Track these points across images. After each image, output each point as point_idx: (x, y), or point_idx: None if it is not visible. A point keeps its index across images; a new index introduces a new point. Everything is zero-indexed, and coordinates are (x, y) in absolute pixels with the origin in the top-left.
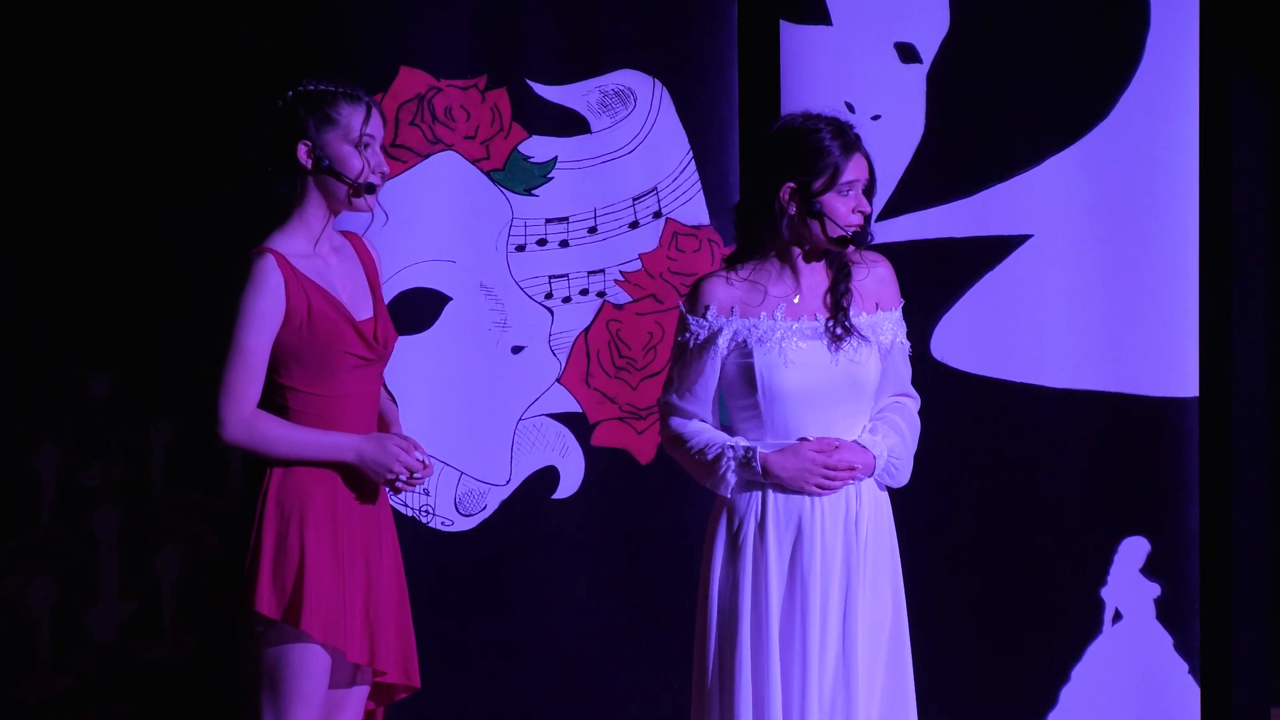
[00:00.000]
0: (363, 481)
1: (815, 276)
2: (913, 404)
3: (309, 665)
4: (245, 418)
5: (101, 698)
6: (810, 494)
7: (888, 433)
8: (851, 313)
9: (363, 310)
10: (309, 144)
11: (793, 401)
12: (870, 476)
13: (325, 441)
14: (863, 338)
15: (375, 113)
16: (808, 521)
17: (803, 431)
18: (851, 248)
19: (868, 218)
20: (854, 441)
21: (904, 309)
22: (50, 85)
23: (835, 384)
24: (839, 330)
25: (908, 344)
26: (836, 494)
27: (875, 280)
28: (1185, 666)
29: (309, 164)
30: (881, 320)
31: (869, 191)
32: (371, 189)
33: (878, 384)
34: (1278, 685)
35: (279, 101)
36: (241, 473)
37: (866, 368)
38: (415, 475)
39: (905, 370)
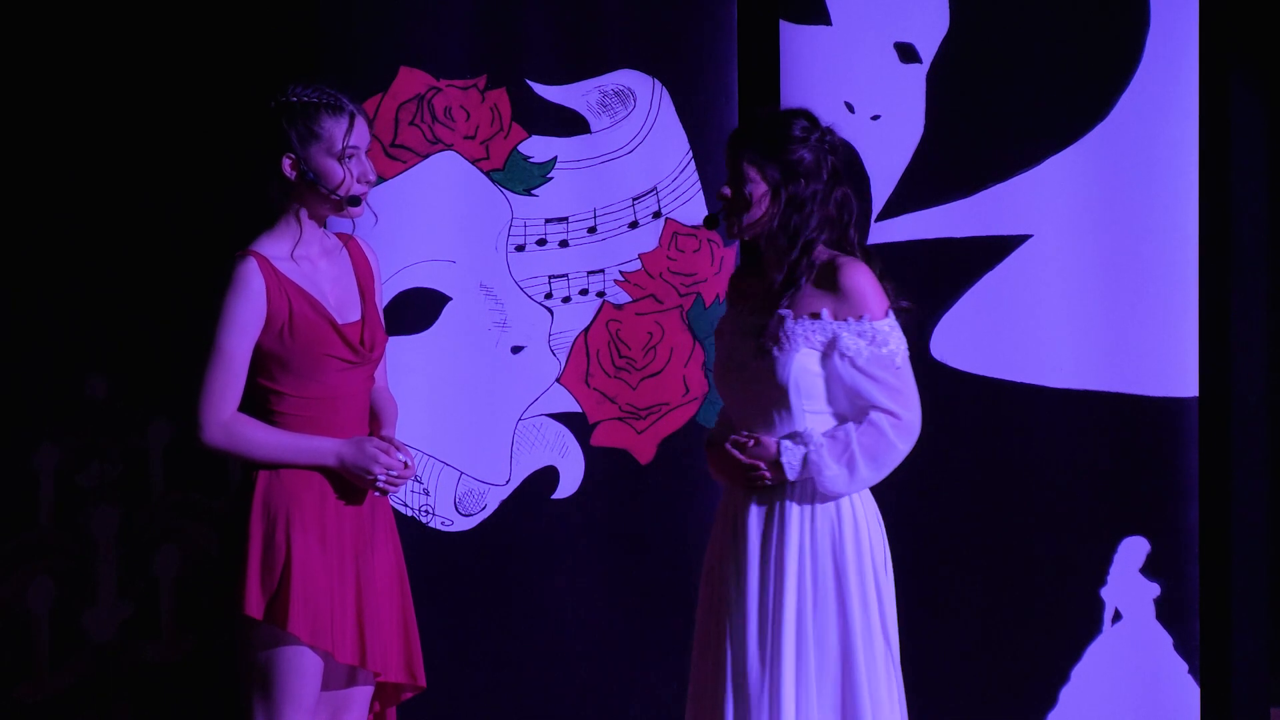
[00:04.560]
0: (351, 483)
1: (776, 273)
2: (887, 420)
3: (300, 667)
4: (224, 421)
5: (100, 698)
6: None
7: (816, 439)
8: (790, 314)
9: (349, 314)
10: (293, 157)
11: (722, 395)
12: (782, 480)
13: (305, 446)
14: (786, 339)
15: (359, 121)
16: (738, 522)
17: (736, 427)
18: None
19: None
20: (775, 441)
21: (898, 313)
22: (50, 85)
23: (750, 382)
24: (760, 330)
25: (882, 355)
26: (763, 497)
27: (832, 284)
28: (1185, 666)
29: (293, 176)
30: (823, 327)
31: (730, 180)
32: (355, 202)
33: (812, 390)
34: (1278, 685)
35: (262, 111)
36: (239, 474)
37: (783, 371)
38: (395, 476)
39: (872, 384)
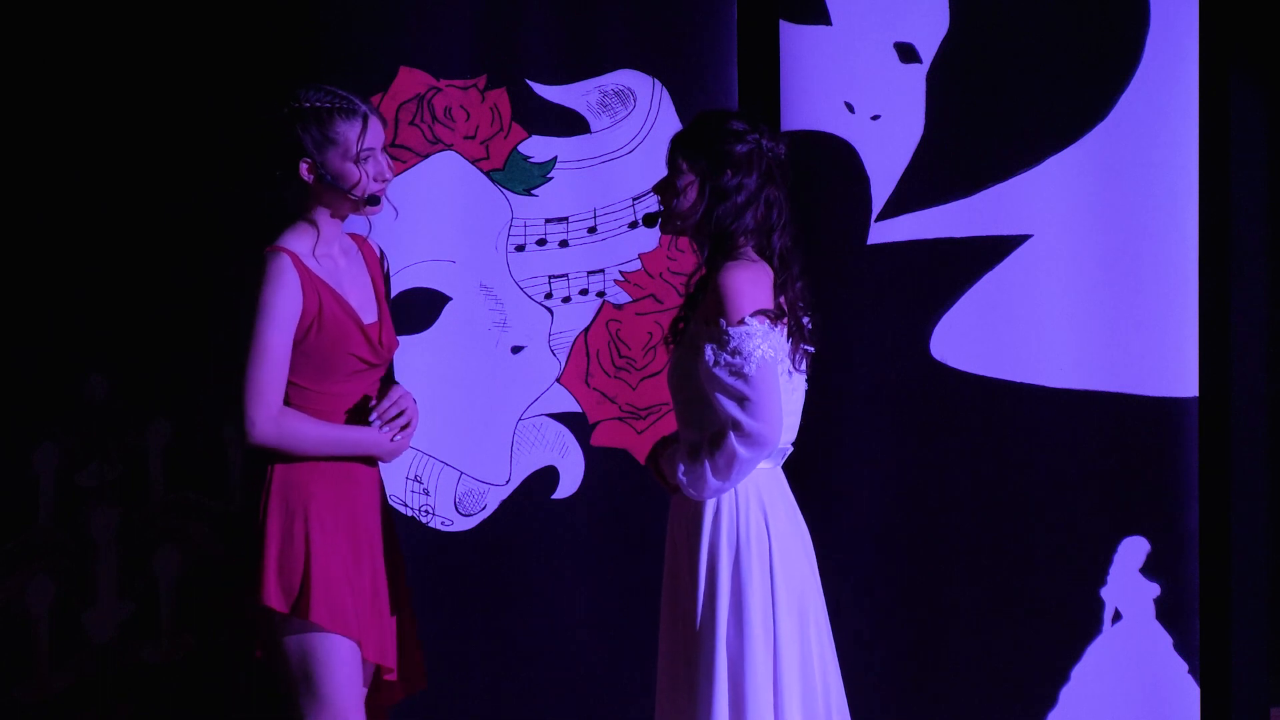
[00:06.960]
0: (365, 480)
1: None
2: (733, 436)
3: (336, 653)
4: (274, 416)
5: (100, 698)
6: None
7: (684, 462)
8: (694, 316)
9: (368, 314)
10: (309, 161)
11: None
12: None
13: (351, 438)
14: (689, 340)
15: (373, 121)
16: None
17: None
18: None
19: (665, 213)
20: (673, 457)
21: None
22: (50, 86)
23: (669, 379)
24: (673, 332)
25: (733, 361)
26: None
27: (711, 288)
28: (1185, 666)
29: (311, 180)
30: (699, 332)
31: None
32: (374, 201)
33: (706, 396)
34: (1278, 685)
35: (275, 116)
36: (241, 472)
37: (676, 375)
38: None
39: (719, 393)
